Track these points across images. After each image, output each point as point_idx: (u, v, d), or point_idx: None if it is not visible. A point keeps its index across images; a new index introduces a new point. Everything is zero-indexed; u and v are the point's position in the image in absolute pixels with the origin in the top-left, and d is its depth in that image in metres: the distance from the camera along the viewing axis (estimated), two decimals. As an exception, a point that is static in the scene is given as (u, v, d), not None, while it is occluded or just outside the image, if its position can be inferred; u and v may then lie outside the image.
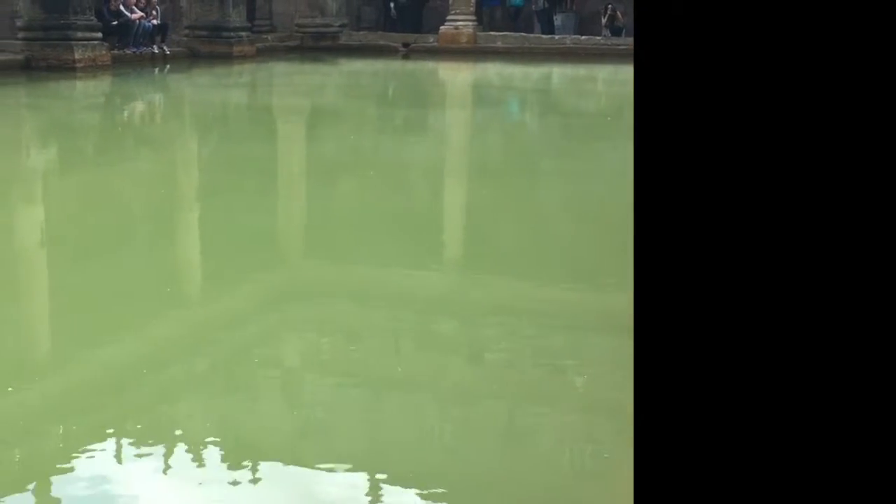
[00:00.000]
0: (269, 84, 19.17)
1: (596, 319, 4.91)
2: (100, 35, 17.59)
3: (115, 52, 18.26)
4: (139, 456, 3.22)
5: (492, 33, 25.06)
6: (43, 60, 16.62)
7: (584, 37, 24.34)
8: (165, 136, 11.79)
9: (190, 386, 4.02)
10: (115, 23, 18.97)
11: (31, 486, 3.00)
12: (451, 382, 4.07)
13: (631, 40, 21.24)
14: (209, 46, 20.99)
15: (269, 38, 24.52)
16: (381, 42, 24.85)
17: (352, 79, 19.89)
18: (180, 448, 3.27)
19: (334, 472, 3.14)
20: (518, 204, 7.79)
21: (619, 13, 24.76)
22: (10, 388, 3.75)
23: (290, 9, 25.88)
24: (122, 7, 19.25)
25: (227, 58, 20.58)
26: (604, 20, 25.12)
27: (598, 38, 24.23)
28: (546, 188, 8.65)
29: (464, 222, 7.34)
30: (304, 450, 3.33)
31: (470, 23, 24.45)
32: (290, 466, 3.18)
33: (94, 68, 16.94)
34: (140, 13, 19.49)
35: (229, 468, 3.14)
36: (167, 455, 3.23)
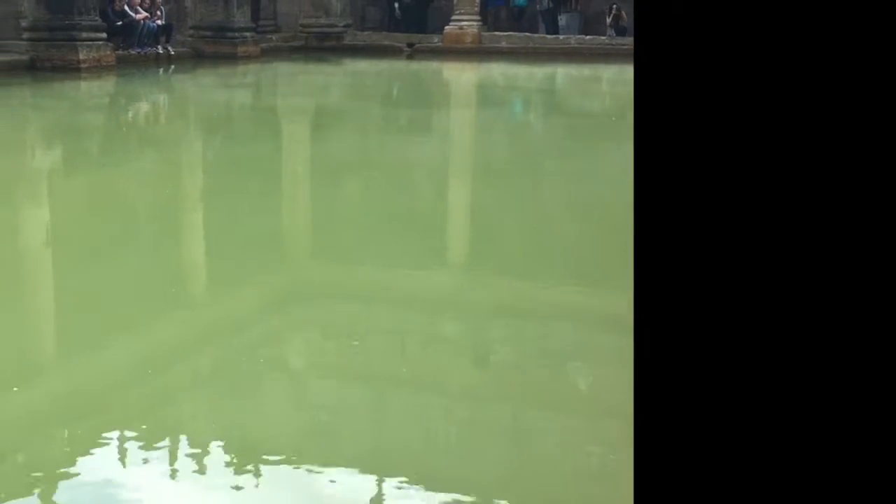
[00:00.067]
0: (273, 84, 19.19)
1: (601, 320, 4.91)
2: (104, 35, 17.63)
3: (120, 52, 18.29)
4: (144, 457, 3.22)
5: (496, 33, 25.04)
6: (48, 61, 16.66)
7: (588, 37, 24.31)
8: (170, 137, 11.80)
9: (195, 387, 4.02)
10: (119, 23, 19.00)
11: (36, 487, 3.00)
12: (457, 384, 4.07)
13: (635, 40, 21.18)
14: (213, 47, 21.01)
15: (274, 38, 24.53)
16: (386, 42, 24.85)
17: (356, 79, 19.91)
18: (185, 449, 3.27)
19: (339, 473, 3.14)
20: (523, 204, 7.78)
21: (623, 13, 24.71)
22: (15, 389, 3.76)
23: (294, 9, 25.88)
24: (126, 7, 19.28)
25: (231, 58, 20.60)
26: (608, 20, 25.07)
27: (603, 38, 24.19)
28: (551, 189, 8.64)
29: (468, 223, 7.34)
30: (310, 451, 3.32)
31: (474, 23, 24.44)
32: (296, 467, 3.18)
33: (98, 69, 16.97)
34: (144, 13, 19.51)
35: (235, 470, 3.14)
36: (172, 456, 3.24)
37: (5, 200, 7.46)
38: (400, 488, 3.04)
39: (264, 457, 3.21)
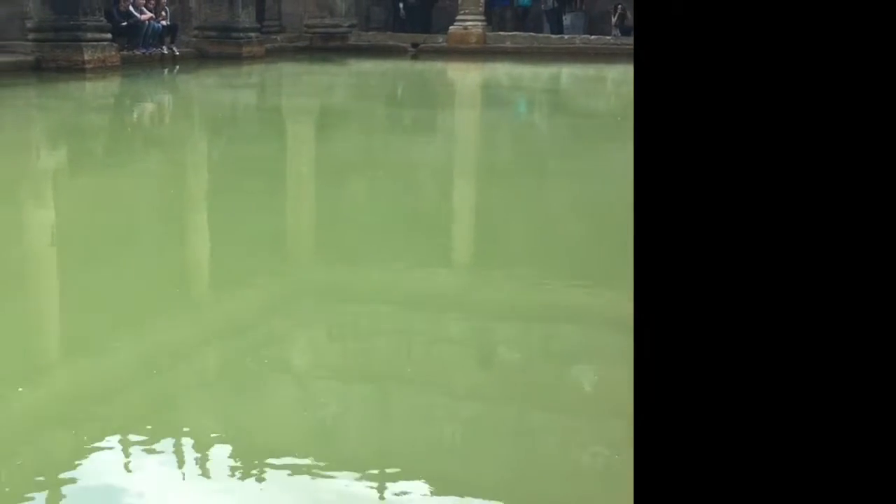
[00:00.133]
0: (278, 85, 19.21)
1: (607, 321, 4.90)
2: (109, 36, 17.65)
3: (125, 53, 18.31)
4: (148, 457, 3.22)
5: (501, 33, 25.04)
6: (53, 61, 16.68)
7: (593, 36, 24.29)
8: (174, 137, 11.81)
9: (199, 387, 4.02)
10: (124, 24, 19.03)
11: (40, 487, 3.01)
12: (462, 384, 4.07)
13: (640, 40, 21.17)
14: (218, 47, 21.03)
15: (279, 38, 24.55)
16: (391, 42, 24.86)
17: (361, 79, 19.91)
18: (189, 450, 3.28)
19: (344, 474, 3.14)
20: (528, 205, 7.78)
21: (628, 13, 24.67)
22: (20, 389, 3.77)
23: (299, 9, 25.91)
24: (131, 8, 19.30)
25: (236, 58, 20.62)
26: (613, 20, 25.07)
27: (608, 37, 24.17)
28: (556, 189, 8.64)
29: (473, 223, 7.34)
30: (314, 451, 3.32)
31: (479, 23, 24.43)
32: (300, 468, 3.18)
33: (103, 69, 16.99)
34: (149, 14, 19.54)
35: (239, 471, 3.14)
36: (176, 456, 3.24)
37: (11, 200, 7.48)
38: (405, 489, 3.04)
39: (269, 458, 3.21)
